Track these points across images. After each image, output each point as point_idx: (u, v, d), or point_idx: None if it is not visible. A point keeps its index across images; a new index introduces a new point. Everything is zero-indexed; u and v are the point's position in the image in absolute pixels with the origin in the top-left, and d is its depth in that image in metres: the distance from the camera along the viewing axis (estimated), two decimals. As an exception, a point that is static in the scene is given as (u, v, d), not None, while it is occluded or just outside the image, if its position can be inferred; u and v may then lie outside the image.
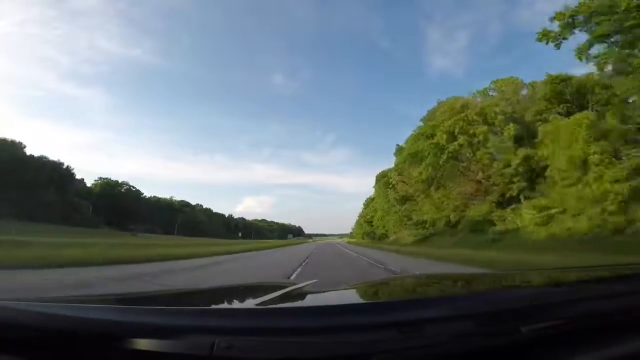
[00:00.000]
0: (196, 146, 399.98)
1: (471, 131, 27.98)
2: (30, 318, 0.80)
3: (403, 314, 0.80)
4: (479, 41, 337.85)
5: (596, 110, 21.25)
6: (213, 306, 1.18)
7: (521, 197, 24.65)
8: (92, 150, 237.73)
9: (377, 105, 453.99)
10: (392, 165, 46.18)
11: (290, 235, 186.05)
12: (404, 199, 39.36)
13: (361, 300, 1.25)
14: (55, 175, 65.90)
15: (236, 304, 1.25)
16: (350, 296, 1.43)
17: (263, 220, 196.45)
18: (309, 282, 1.64)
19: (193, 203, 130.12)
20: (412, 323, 0.75)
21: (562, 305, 0.88)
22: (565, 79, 24.51)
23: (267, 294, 1.33)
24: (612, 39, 16.65)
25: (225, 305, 1.21)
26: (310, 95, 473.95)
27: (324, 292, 1.56)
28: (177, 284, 6.78)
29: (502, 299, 0.88)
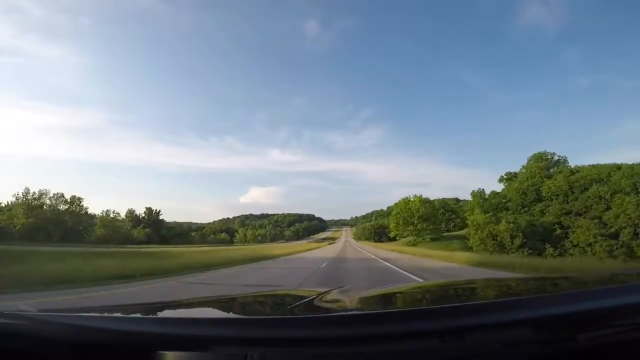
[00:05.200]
0: (199, 126, 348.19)
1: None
2: (59, 329, 0.80)
3: (444, 321, 0.73)
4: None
5: None
6: (243, 316, 1.14)
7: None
8: (76, 133, 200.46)
9: (434, 73, 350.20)
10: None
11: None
12: None
13: (397, 307, 1.18)
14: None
15: (266, 314, 1.21)
16: (385, 302, 1.36)
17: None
18: (339, 287, 1.58)
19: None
20: (454, 331, 0.70)
21: (624, 310, 0.79)
22: None
23: (296, 301, 1.28)
24: None
25: (255, 315, 1.17)
26: (347, 54, 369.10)
27: (355, 298, 1.49)
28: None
29: (554, 304, 0.79)
